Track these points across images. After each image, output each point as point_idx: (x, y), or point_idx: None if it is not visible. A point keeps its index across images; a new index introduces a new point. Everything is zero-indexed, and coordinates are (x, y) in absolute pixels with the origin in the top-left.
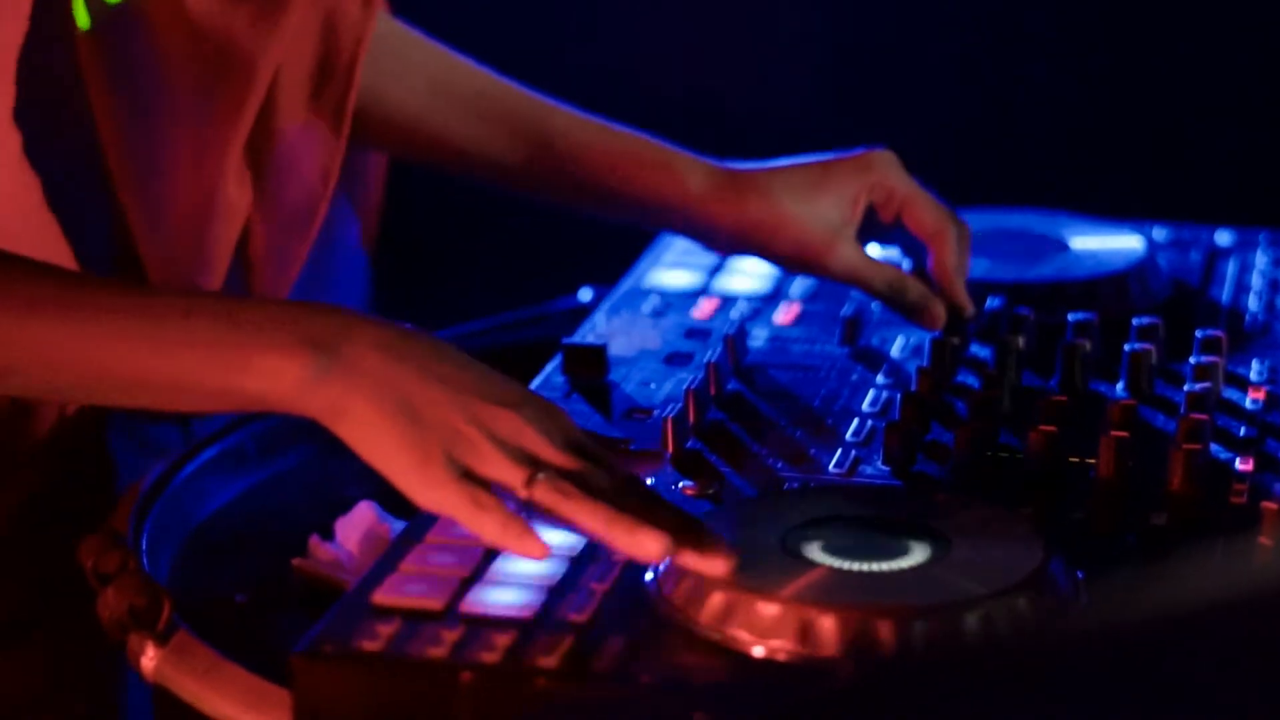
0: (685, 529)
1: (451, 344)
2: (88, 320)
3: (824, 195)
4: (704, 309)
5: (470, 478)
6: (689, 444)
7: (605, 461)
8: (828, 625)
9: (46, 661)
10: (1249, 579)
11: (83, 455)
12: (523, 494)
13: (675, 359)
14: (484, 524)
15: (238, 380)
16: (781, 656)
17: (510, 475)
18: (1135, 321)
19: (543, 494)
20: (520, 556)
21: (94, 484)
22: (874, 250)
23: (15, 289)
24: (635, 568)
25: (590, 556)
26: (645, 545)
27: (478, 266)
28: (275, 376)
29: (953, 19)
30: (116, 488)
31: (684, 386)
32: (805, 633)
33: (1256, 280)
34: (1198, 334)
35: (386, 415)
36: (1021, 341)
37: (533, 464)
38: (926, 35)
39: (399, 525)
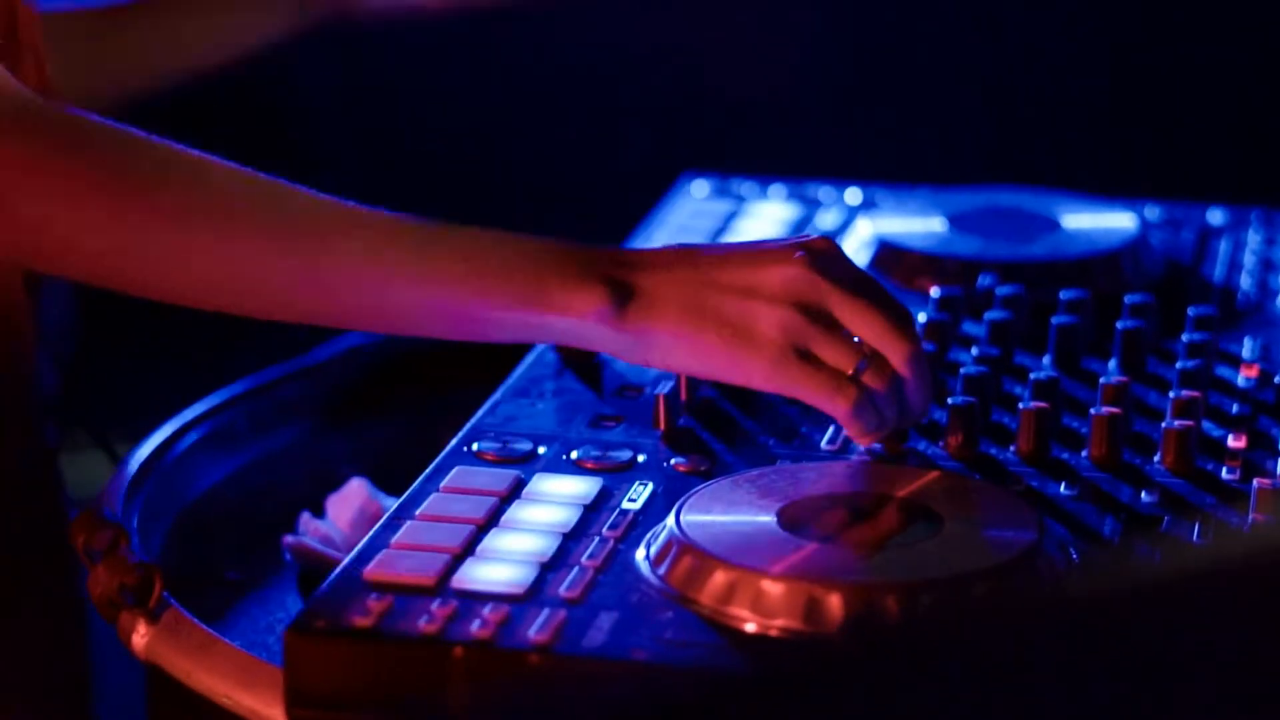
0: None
1: (705, 245)
2: (390, 253)
3: None
4: None
5: (808, 357)
6: (681, 421)
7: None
8: (823, 602)
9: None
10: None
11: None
12: (851, 374)
13: None
14: (838, 405)
15: (541, 315)
16: (776, 633)
17: (843, 360)
18: (1128, 299)
19: (871, 377)
20: (856, 437)
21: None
22: None
23: (307, 222)
24: (628, 544)
25: (583, 533)
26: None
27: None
28: (576, 309)
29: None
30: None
31: None
32: (801, 609)
33: (1249, 259)
34: (1190, 311)
35: (702, 331)
36: (1014, 319)
37: (856, 347)
38: (919, 15)
39: (390, 502)
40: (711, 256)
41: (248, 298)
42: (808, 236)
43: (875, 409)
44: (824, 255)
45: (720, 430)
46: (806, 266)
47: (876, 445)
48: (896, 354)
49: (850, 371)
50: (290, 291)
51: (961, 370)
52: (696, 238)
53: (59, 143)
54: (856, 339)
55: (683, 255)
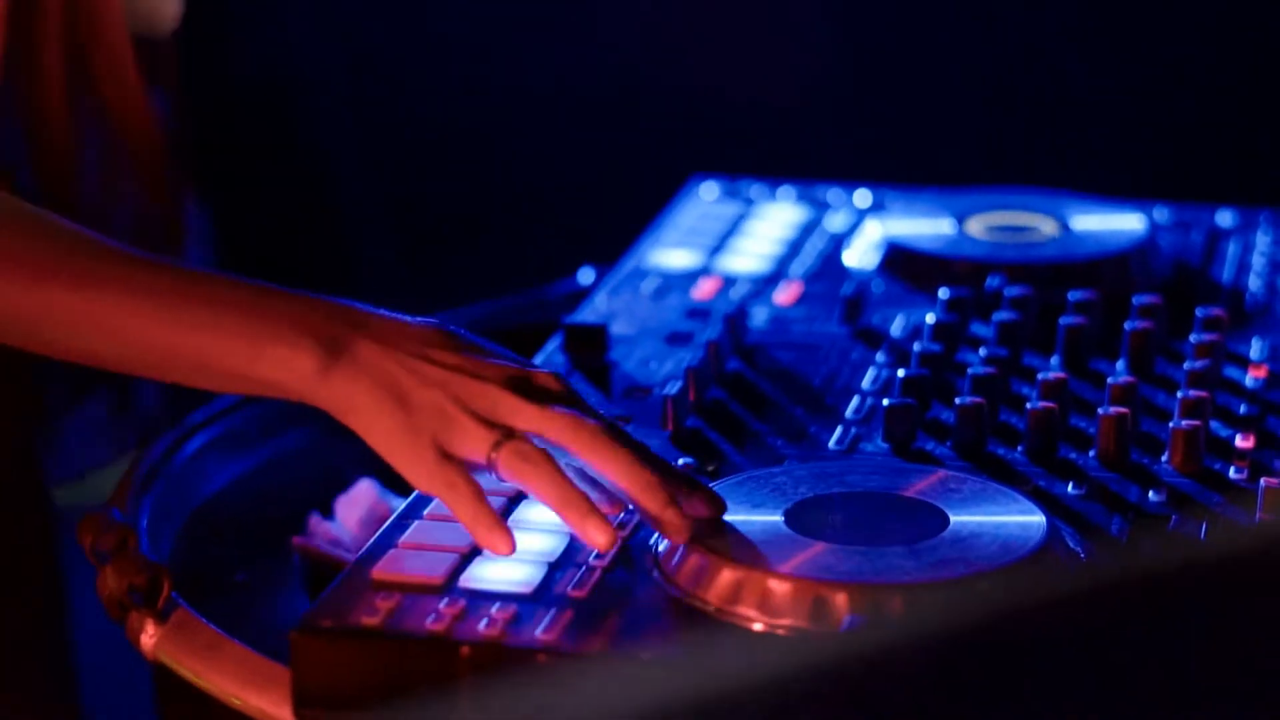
0: (675, 489)
1: (456, 328)
2: (105, 288)
3: None
4: (705, 289)
5: (450, 458)
6: (689, 422)
7: (597, 424)
8: (830, 602)
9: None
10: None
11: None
12: (486, 462)
13: (676, 338)
14: (457, 509)
15: (255, 369)
16: (783, 633)
17: (478, 447)
18: (1136, 300)
19: (505, 460)
20: (488, 550)
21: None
22: None
23: (26, 250)
24: (636, 543)
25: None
26: (591, 535)
27: (478, 250)
28: (287, 369)
29: (954, 2)
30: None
31: (684, 365)
32: (808, 609)
33: (1257, 260)
34: (1198, 312)
35: (382, 406)
36: (1022, 320)
37: (504, 432)
38: (926, 16)
39: (398, 502)
40: (436, 346)
41: (17, 334)
42: (531, 368)
43: (500, 525)
44: (535, 386)
45: (728, 431)
46: (509, 384)
47: (884, 444)
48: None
49: (483, 458)
50: (47, 328)
51: (970, 371)
52: (706, 240)
53: None
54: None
55: (413, 332)
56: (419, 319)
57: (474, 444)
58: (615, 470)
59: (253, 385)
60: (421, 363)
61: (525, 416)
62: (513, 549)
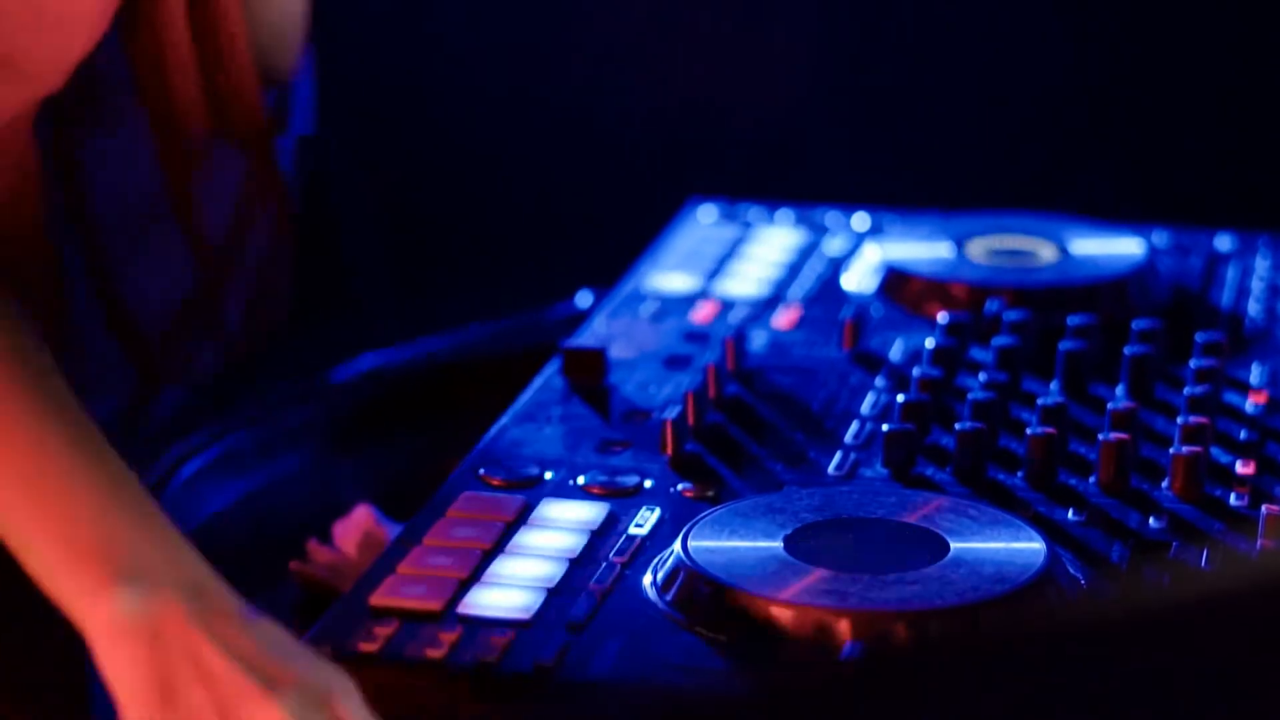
0: None
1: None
2: None
3: None
4: (703, 312)
5: None
6: (688, 446)
7: None
8: (831, 628)
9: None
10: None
11: None
12: None
13: (675, 362)
14: None
15: (64, 602)
16: (783, 658)
17: None
18: (1135, 325)
19: None
20: None
21: None
22: None
23: None
24: (635, 569)
25: (590, 558)
26: None
27: (476, 272)
28: (88, 613)
29: (951, 22)
30: None
31: (683, 389)
32: (809, 635)
33: (1257, 285)
34: (1198, 337)
35: (147, 685)
36: (1021, 345)
37: None
38: (924, 38)
39: (397, 528)
40: (245, 644)
41: None
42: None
43: None
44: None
45: (727, 455)
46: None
47: (883, 469)
48: None
49: None
50: None
51: (969, 396)
52: (704, 263)
53: None
54: None
55: (235, 622)
56: (249, 611)
57: None
58: None
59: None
60: (216, 658)
61: None
62: None
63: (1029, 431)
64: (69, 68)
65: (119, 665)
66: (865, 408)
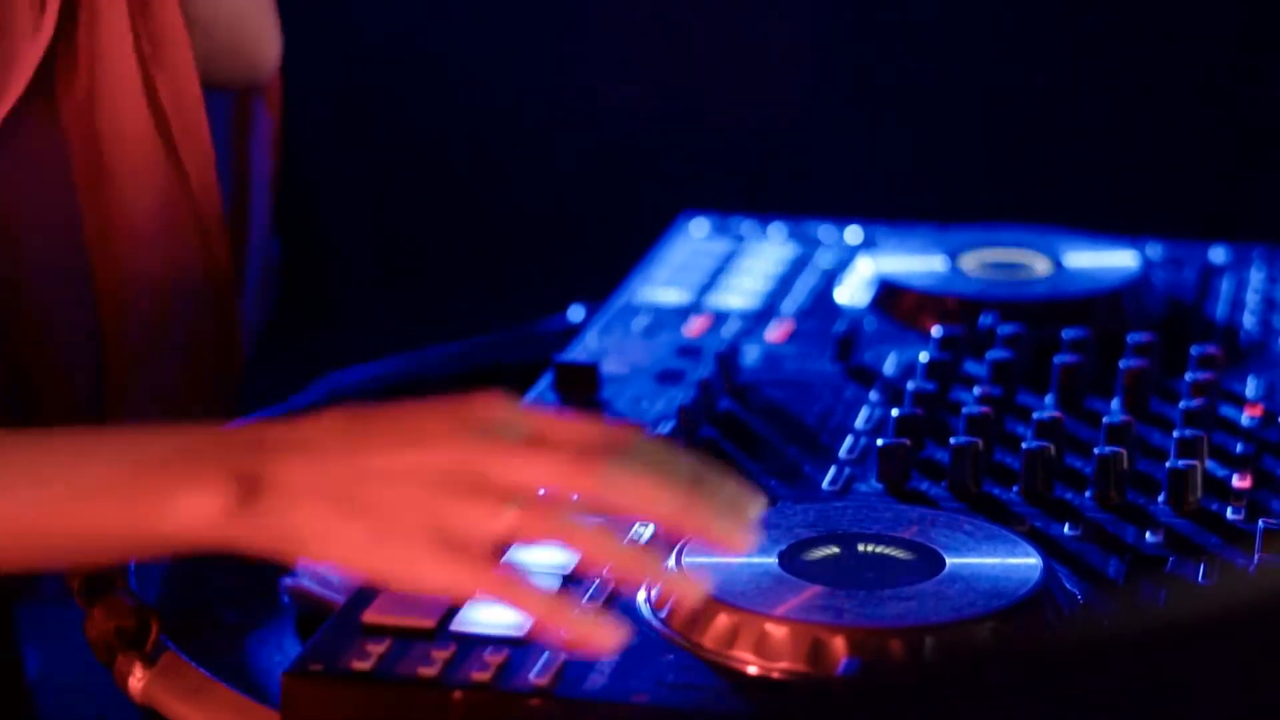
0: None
1: (359, 407)
2: None
3: None
4: (696, 326)
5: (458, 547)
6: None
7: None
8: (827, 645)
9: None
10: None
11: None
12: (516, 537)
13: (667, 377)
14: (512, 600)
15: (151, 524)
16: (779, 676)
17: (484, 522)
18: (1130, 338)
19: (525, 529)
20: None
21: None
22: None
23: None
24: (630, 587)
25: (584, 575)
26: (634, 573)
27: (467, 286)
28: (193, 514)
29: (944, 36)
30: None
31: (676, 404)
32: (804, 652)
33: (1251, 297)
34: (1193, 350)
35: (339, 521)
36: (1016, 358)
37: (497, 497)
38: (917, 52)
39: None
40: (362, 436)
41: None
42: (472, 399)
43: (533, 590)
44: (484, 420)
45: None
46: (460, 438)
47: (878, 484)
48: (582, 491)
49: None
50: None
51: (964, 410)
52: (697, 277)
53: None
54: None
55: (329, 431)
56: (318, 416)
57: (477, 522)
58: (633, 505)
59: (157, 544)
60: (358, 458)
61: (509, 470)
62: (616, 639)
63: (1024, 446)
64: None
65: (319, 547)
66: (859, 422)
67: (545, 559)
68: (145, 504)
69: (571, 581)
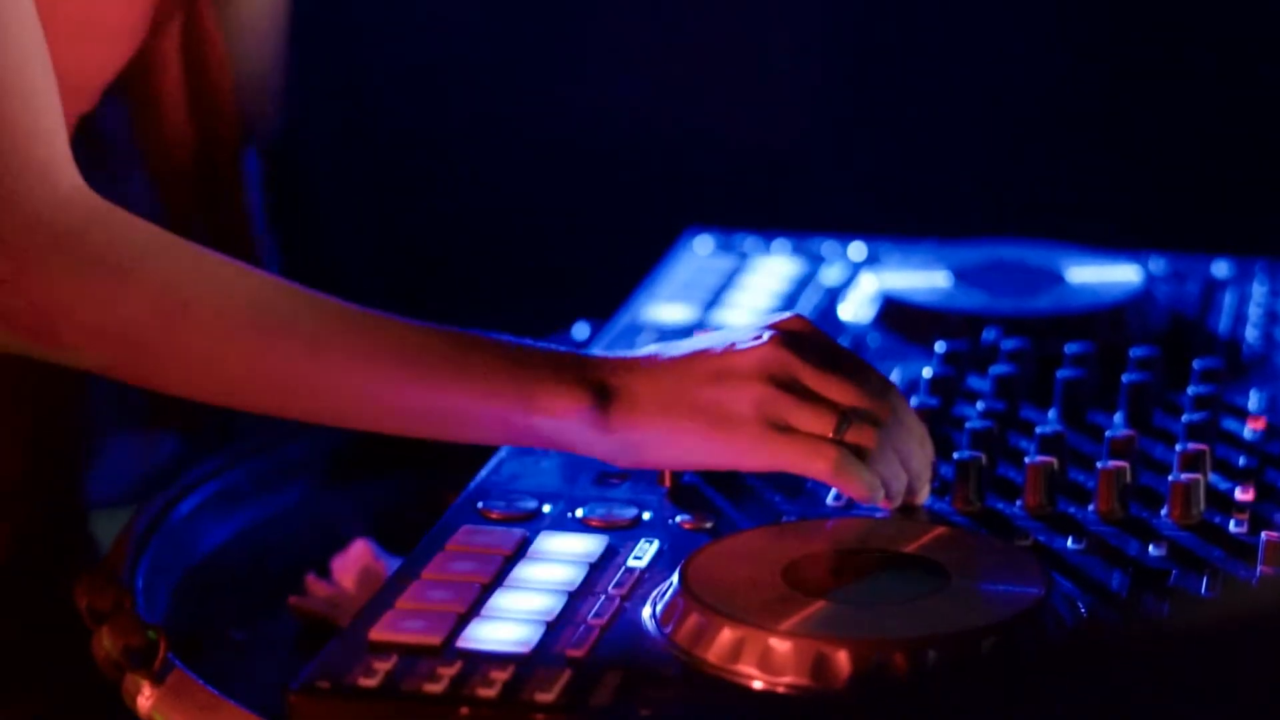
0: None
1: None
2: (380, 357)
3: None
4: None
5: (786, 429)
6: (686, 478)
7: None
8: (831, 659)
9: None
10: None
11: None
12: (835, 436)
13: None
14: (819, 467)
15: (526, 417)
16: (784, 690)
17: (819, 423)
18: (1133, 352)
19: (856, 437)
20: (857, 498)
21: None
22: None
23: (301, 324)
24: (634, 602)
25: (589, 591)
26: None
27: (472, 303)
28: (560, 413)
29: (946, 52)
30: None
31: None
32: (809, 666)
33: (1254, 311)
34: (1196, 364)
35: (679, 421)
36: (1019, 373)
37: (833, 408)
38: (922, 68)
39: (395, 562)
40: (687, 351)
41: (247, 395)
42: (780, 316)
43: (865, 468)
44: (794, 333)
45: (725, 487)
46: (776, 345)
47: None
48: (879, 414)
49: (830, 434)
50: (284, 392)
51: (967, 425)
52: (701, 294)
53: (109, 260)
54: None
55: (660, 352)
56: (652, 353)
57: (806, 419)
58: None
59: (525, 434)
60: (690, 364)
61: (821, 384)
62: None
63: (1027, 460)
64: (105, 82)
65: (667, 449)
66: None
67: (545, 575)
68: (521, 395)
69: (576, 597)
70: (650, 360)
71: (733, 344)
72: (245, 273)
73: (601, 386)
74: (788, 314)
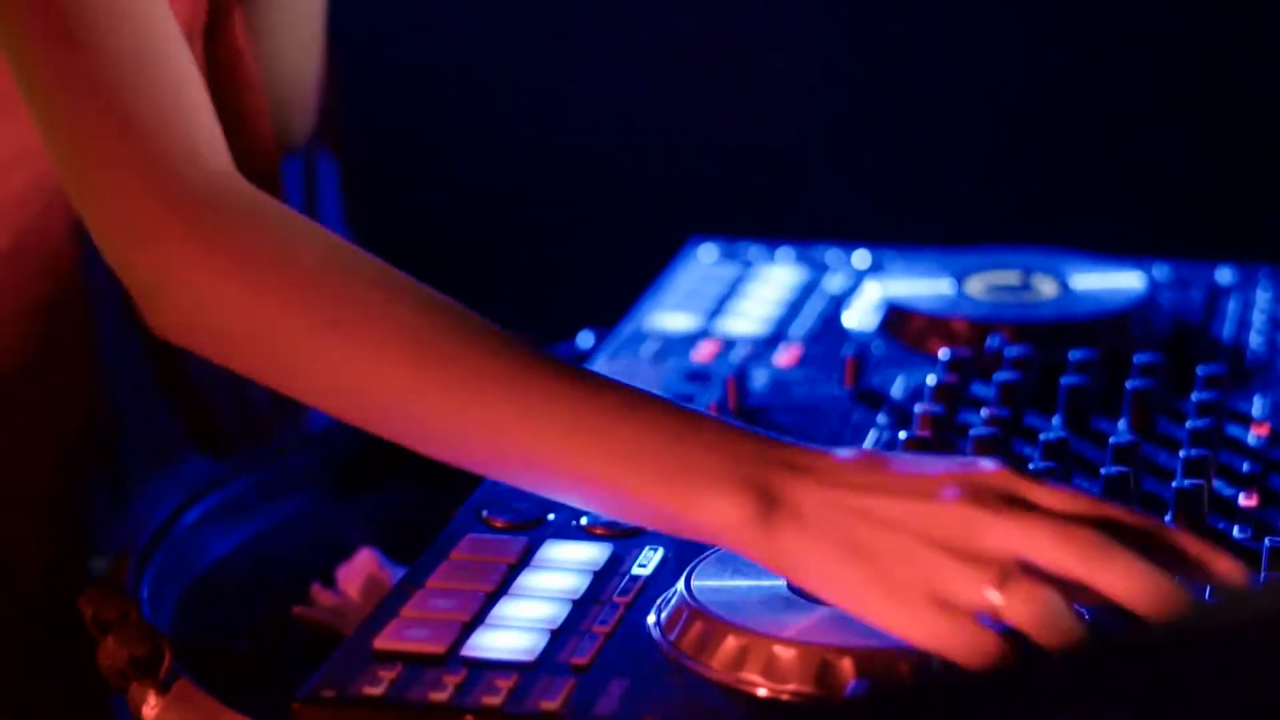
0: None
1: (875, 450)
2: (533, 411)
3: None
4: (704, 352)
5: (951, 606)
6: None
7: (1084, 531)
8: (836, 666)
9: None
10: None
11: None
12: (1000, 614)
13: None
14: (971, 656)
15: (681, 513)
16: (789, 698)
17: (973, 592)
18: (1137, 359)
19: (1013, 609)
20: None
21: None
22: None
23: (457, 366)
24: (639, 610)
25: (593, 599)
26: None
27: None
28: (717, 515)
29: (949, 60)
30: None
31: None
32: (814, 674)
33: (1258, 317)
34: (1200, 370)
35: (842, 562)
36: (1023, 380)
37: (998, 571)
38: (925, 75)
39: (400, 571)
40: (871, 482)
41: (393, 427)
42: (982, 466)
43: (1068, 614)
44: (994, 492)
45: None
46: (966, 505)
47: None
48: (1099, 583)
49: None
50: (432, 437)
51: (971, 432)
52: (705, 302)
53: (267, 258)
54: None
55: (843, 462)
56: (842, 450)
57: (968, 589)
58: (1120, 589)
59: (674, 527)
60: (867, 500)
61: (1006, 538)
62: None
63: (1031, 467)
64: None
65: (820, 573)
66: (868, 445)
67: (549, 583)
68: (676, 489)
69: (580, 605)
70: (831, 472)
71: (921, 489)
72: (404, 291)
73: (767, 492)
74: (990, 464)
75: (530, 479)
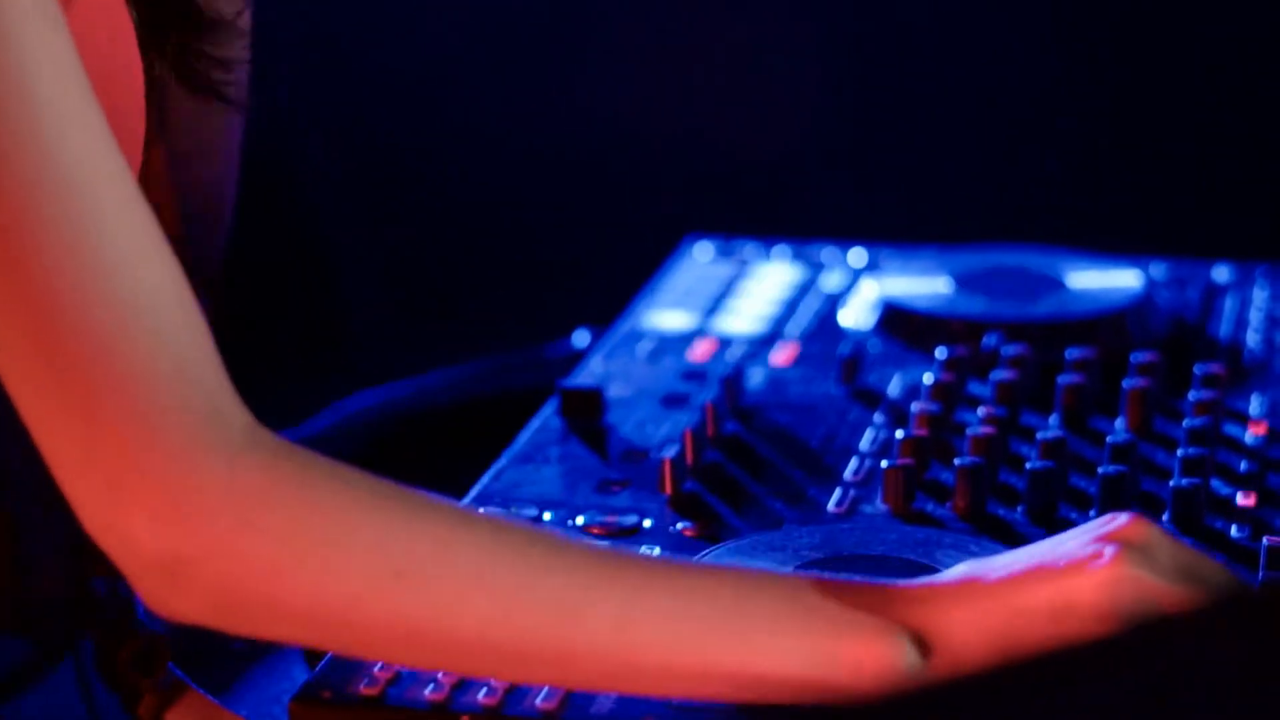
0: None
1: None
2: (639, 626)
3: None
4: (701, 350)
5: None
6: (687, 485)
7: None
8: None
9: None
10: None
11: None
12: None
13: (672, 401)
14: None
15: (828, 676)
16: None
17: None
18: (1134, 358)
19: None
20: None
21: None
22: None
23: (540, 587)
24: None
25: None
26: None
27: (472, 311)
28: (865, 669)
29: (947, 59)
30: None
31: (682, 428)
32: None
33: (1255, 315)
34: (1197, 369)
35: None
36: (1020, 379)
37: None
38: (922, 74)
39: None
40: (1014, 573)
41: (484, 664)
42: (1114, 525)
43: None
44: (1140, 547)
45: (726, 494)
46: (1123, 567)
47: (883, 505)
48: None
49: None
50: (532, 664)
51: (968, 431)
52: (701, 301)
53: (316, 515)
54: None
55: (973, 581)
56: (967, 573)
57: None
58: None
59: (819, 692)
60: (1030, 598)
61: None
62: None
63: (1029, 466)
64: None
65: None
66: (864, 444)
67: None
68: (822, 653)
69: None
70: (968, 588)
71: (1069, 562)
72: (470, 523)
73: (915, 632)
74: (1124, 517)
75: (654, 687)
